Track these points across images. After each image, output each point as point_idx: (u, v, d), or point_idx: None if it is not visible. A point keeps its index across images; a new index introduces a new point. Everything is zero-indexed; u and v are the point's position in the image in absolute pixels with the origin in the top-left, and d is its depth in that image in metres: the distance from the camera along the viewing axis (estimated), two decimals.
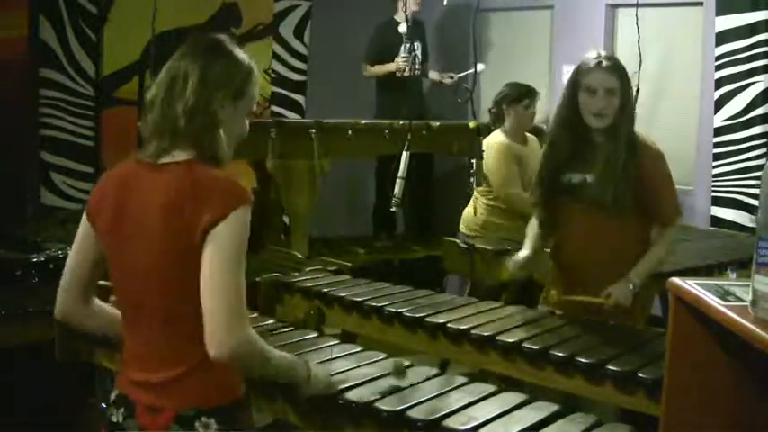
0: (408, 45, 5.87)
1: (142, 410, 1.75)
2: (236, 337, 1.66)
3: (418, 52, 5.97)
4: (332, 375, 2.09)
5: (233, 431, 1.76)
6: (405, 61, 5.79)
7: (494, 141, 4.24)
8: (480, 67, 5.80)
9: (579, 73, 2.77)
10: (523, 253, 2.91)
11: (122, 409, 1.79)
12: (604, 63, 2.74)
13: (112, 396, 1.84)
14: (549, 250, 2.99)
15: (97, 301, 1.92)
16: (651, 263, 2.77)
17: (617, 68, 2.75)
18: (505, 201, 4.22)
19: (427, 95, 6.29)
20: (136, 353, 1.80)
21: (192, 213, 1.67)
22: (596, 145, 2.77)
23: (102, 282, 1.92)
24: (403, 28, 5.68)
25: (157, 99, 1.76)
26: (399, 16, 5.95)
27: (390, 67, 5.87)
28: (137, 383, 1.78)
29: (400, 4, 5.86)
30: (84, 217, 1.85)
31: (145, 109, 1.80)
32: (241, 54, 1.83)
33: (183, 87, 1.74)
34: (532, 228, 3.00)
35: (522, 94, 4.33)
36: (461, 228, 4.40)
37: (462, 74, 5.80)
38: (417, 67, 5.96)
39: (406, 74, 5.84)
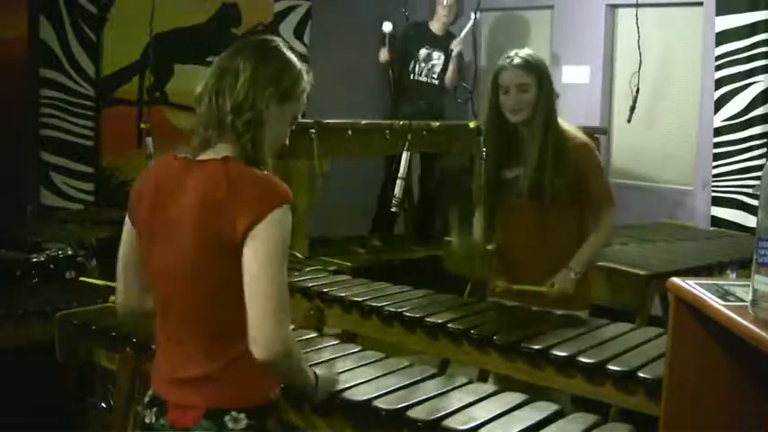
0: (425, 54, 5.88)
1: (173, 407, 1.75)
2: (280, 341, 1.65)
3: (438, 62, 5.95)
4: (336, 375, 2.09)
5: (264, 428, 1.76)
6: (385, 56, 5.70)
7: None
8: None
9: (495, 73, 2.89)
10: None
11: (155, 409, 1.78)
12: (515, 60, 2.84)
13: (146, 398, 1.83)
14: (490, 247, 3.05)
15: None
16: (590, 250, 2.88)
17: (528, 64, 2.84)
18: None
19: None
20: (168, 351, 1.79)
21: (231, 211, 1.66)
22: (524, 139, 2.87)
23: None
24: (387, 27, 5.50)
25: (206, 93, 1.77)
26: (433, 25, 5.95)
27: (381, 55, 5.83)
28: (168, 381, 1.77)
29: (438, 12, 5.89)
30: (126, 216, 1.85)
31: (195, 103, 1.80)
32: (294, 58, 1.84)
33: (233, 83, 1.74)
34: (478, 222, 3.09)
35: None
36: None
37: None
38: (435, 77, 5.95)
39: (421, 78, 5.86)
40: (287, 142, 1.88)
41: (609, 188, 2.93)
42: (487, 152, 2.93)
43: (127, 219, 1.84)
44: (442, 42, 5.96)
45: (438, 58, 5.95)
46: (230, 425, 1.71)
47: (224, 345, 1.72)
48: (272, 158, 1.80)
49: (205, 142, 1.75)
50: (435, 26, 5.96)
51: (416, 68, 5.93)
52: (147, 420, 1.79)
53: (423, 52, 5.93)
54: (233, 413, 1.71)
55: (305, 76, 1.85)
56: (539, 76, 2.84)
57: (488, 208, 3.05)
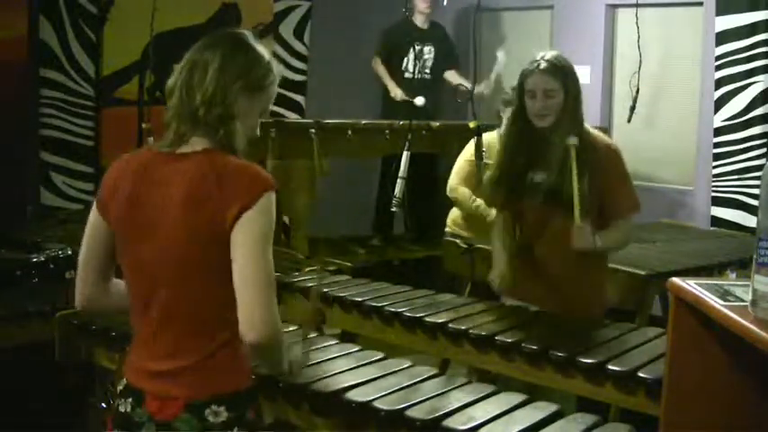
0: (417, 50, 5.90)
1: (151, 399, 1.75)
2: (270, 323, 1.67)
3: (429, 56, 5.96)
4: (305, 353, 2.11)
5: (243, 420, 1.76)
6: (401, 95, 5.80)
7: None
8: (501, 56, 5.79)
9: (522, 77, 2.84)
10: (499, 267, 2.96)
11: (130, 399, 1.78)
12: (542, 65, 2.79)
13: (120, 386, 1.83)
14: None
15: (114, 281, 1.91)
16: (612, 237, 2.83)
17: (556, 69, 2.79)
18: None
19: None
20: (146, 342, 1.80)
21: (219, 201, 1.68)
22: (550, 144, 2.81)
23: None
24: (420, 101, 5.67)
25: (176, 86, 1.78)
26: (417, 20, 5.96)
27: (390, 85, 5.89)
28: (146, 373, 1.78)
29: (417, 6, 5.90)
30: (94, 206, 1.84)
31: (165, 97, 1.82)
32: (262, 50, 1.84)
33: (202, 76, 1.76)
34: (497, 235, 3.03)
35: None
36: (448, 224, 4.45)
37: (480, 88, 5.42)
38: (428, 72, 5.96)
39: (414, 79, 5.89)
40: (258, 133, 1.88)
41: (634, 195, 2.88)
42: (510, 156, 2.89)
43: (94, 209, 1.83)
44: (430, 35, 5.96)
45: (429, 52, 5.96)
46: (210, 418, 1.72)
47: (203, 337, 1.74)
48: (243, 150, 1.81)
49: (179, 136, 1.76)
50: (419, 20, 5.97)
51: (409, 65, 5.94)
52: (122, 410, 1.80)
53: (414, 48, 5.93)
54: (213, 406, 1.73)
55: (273, 68, 1.85)
56: (566, 80, 2.79)
57: (510, 212, 2.99)
